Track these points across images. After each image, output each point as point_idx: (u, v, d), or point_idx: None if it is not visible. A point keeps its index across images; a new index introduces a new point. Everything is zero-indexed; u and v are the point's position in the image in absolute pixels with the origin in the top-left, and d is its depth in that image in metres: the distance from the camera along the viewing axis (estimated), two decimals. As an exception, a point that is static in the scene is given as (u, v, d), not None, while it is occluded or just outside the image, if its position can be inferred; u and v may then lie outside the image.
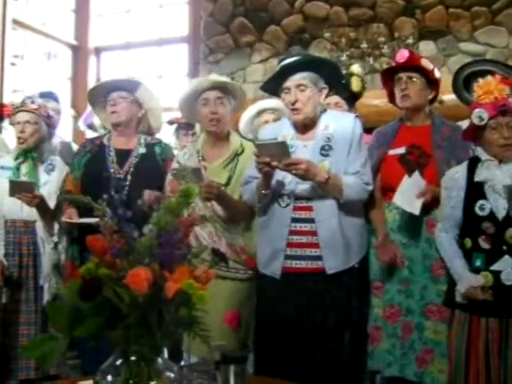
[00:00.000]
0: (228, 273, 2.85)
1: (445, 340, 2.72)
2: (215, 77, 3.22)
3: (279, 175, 2.70)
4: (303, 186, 2.68)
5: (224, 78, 3.22)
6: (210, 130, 3.09)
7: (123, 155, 3.25)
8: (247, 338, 2.94)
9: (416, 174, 2.80)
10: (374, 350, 2.86)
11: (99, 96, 3.36)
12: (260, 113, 3.82)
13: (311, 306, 2.67)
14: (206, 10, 6.42)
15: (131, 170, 3.21)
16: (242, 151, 3.05)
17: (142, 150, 3.28)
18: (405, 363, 2.80)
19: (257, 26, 6.16)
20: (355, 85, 3.65)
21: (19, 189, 3.20)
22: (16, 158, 3.46)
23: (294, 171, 2.58)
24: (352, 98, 3.66)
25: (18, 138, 3.43)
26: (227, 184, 2.98)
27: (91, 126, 4.79)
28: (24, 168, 3.44)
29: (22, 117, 3.43)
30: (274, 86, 2.88)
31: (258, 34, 6.15)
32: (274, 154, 2.56)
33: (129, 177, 3.19)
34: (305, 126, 2.81)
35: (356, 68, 3.83)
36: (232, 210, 2.95)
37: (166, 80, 7.07)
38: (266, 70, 5.97)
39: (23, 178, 3.39)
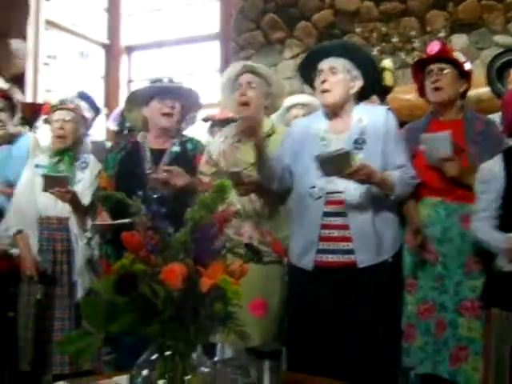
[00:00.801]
0: None
1: (479, 337, 2.69)
2: (247, 62, 3.25)
3: (310, 167, 2.70)
4: (335, 179, 2.67)
5: (255, 64, 3.23)
6: (239, 115, 3.11)
7: (158, 154, 3.25)
8: (279, 331, 2.93)
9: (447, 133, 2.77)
10: (409, 347, 2.83)
11: (148, 94, 3.32)
12: (290, 108, 3.82)
13: (344, 301, 2.66)
14: (236, 7, 6.42)
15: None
16: (273, 133, 3.05)
17: (176, 148, 3.27)
18: (438, 360, 2.76)
19: (287, 21, 6.14)
20: (388, 79, 3.63)
21: (53, 183, 3.24)
22: (53, 156, 3.51)
23: (356, 178, 2.58)
24: (383, 92, 3.64)
25: (57, 136, 3.48)
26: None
27: (120, 126, 4.83)
28: (62, 166, 3.50)
29: (61, 115, 3.50)
30: (309, 73, 2.89)
31: (288, 29, 6.14)
32: (338, 165, 2.55)
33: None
34: (336, 115, 2.81)
35: (387, 63, 3.82)
36: (268, 196, 2.95)
37: (198, 77, 7.09)
38: (297, 66, 5.93)
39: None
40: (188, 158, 3.26)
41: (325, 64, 2.80)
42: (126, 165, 3.26)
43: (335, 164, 2.55)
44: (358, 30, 5.79)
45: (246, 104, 3.04)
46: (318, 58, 2.85)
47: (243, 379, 1.88)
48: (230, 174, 2.77)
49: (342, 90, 2.78)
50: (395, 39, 5.62)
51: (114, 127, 5.02)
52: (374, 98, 3.47)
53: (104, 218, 3.18)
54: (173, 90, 3.30)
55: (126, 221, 2.76)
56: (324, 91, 2.78)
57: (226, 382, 1.82)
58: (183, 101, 3.31)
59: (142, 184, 3.08)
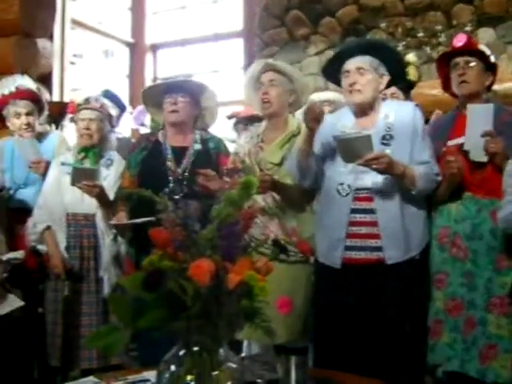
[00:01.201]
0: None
1: (507, 335, 2.66)
2: (268, 60, 3.25)
3: (339, 165, 2.69)
4: (363, 176, 2.67)
5: (276, 61, 3.24)
6: (263, 114, 3.14)
7: (180, 152, 3.27)
8: (305, 329, 2.93)
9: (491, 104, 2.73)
10: (435, 343, 2.80)
11: (159, 93, 3.35)
12: (316, 105, 3.80)
13: (371, 297, 2.66)
14: (260, 4, 6.42)
15: (189, 167, 3.22)
16: (299, 132, 3.05)
17: (198, 146, 3.29)
18: (466, 359, 2.73)
19: (311, 18, 6.12)
20: (412, 74, 3.59)
21: (81, 177, 3.27)
22: (78, 153, 3.55)
23: (375, 166, 2.56)
24: (407, 88, 3.61)
25: (82, 135, 3.51)
26: (281, 164, 3.01)
27: (143, 125, 4.88)
28: (87, 163, 3.53)
29: (87, 114, 3.53)
30: (333, 72, 2.88)
31: (312, 26, 6.11)
32: (357, 149, 2.53)
33: (186, 174, 3.20)
34: (363, 113, 2.80)
35: (412, 57, 3.78)
36: (288, 196, 2.96)
37: (222, 75, 7.12)
38: (321, 62, 5.91)
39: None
40: (210, 156, 3.28)
41: (351, 64, 2.76)
42: (149, 164, 3.28)
43: (355, 148, 2.54)
44: (382, 25, 5.75)
45: (268, 102, 3.05)
46: (342, 58, 2.82)
47: (270, 375, 1.89)
48: (244, 168, 2.79)
49: (372, 90, 2.76)
50: (420, 34, 5.57)
51: (135, 125, 5.07)
52: (398, 93, 3.44)
53: (120, 218, 3.20)
54: (176, 86, 3.29)
55: (141, 220, 2.82)
56: (353, 92, 2.75)
57: (253, 378, 1.83)
58: (191, 95, 3.30)
59: (166, 182, 3.11)
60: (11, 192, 3.78)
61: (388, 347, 2.62)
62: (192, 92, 3.31)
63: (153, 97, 3.40)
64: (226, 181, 3.06)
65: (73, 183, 3.28)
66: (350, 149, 2.55)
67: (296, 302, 2.91)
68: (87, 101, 3.57)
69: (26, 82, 3.98)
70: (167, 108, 3.27)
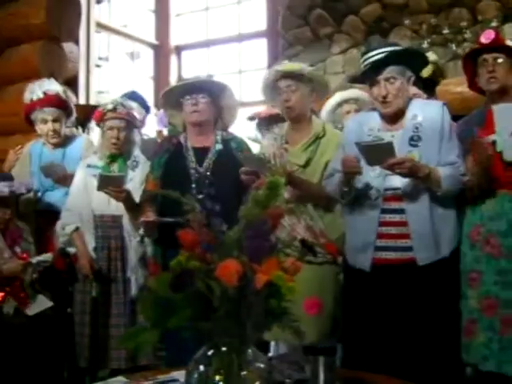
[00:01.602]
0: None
1: None
2: (282, 66, 3.21)
3: (367, 169, 2.68)
4: (392, 177, 2.65)
5: (291, 66, 3.19)
6: (286, 117, 3.16)
7: (201, 153, 3.27)
8: (334, 329, 2.93)
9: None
10: (470, 343, 2.77)
11: (179, 95, 3.33)
12: (341, 103, 3.80)
13: (403, 298, 2.64)
14: (283, 4, 6.41)
15: (211, 167, 3.23)
16: (324, 134, 3.06)
17: (219, 146, 3.29)
18: (504, 359, 2.68)
19: (335, 16, 6.10)
20: (424, 71, 3.56)
21: (107, 183, 3.29)
22: (107, 158, 3.57)
23: (397, 170, 2.56)
24: (429, 87, 3.57)
25: (111, 144, 3.53)
26: (306, 166, 3.02)
27: (167, 126, 4.89)
28: (114, 166, 3.56)
29: (115, 123, 3.52)
30: (359, 76, 2.88)
31: (336, 24, 6.09)
32: (379, 155, 2.54)
33: (208, 174, 3.21)
34: (393, 117, 2.78)
35: (431, 54, 3.74)
36: (307, 193, 2.97)
37: (247, 75, 7.13)
38: (345, 61, 5.92)
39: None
40: (232, 156, 3.25)
41: (380, 76, 2.73)
42: (171, 166, 3.29)
43: (377, 154, 2.55)
44: (406, 22, 5.71)
45: (290, 107, 3.07)
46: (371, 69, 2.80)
47: (298, 375, 1.89)
48: (256, 160, 2.79)
49: (403, 97, 2.75)
50: (445, 31, 5.52)
51: (159, 127, 5.09)
52: (420, 93, 3.41)
53: (149, 216, 3.21)
54: (197, 87, 3.28)
55: (169, 219, 2.83)
56: (385, 102, 2.74)
57: (282, 378, 1.83)
58: (211, 95, 3.28)
59: (188, 183, 3.12)
60: (39, 195, 3.83)
61: (419, 348, 2.60)
62: (212, 92, 3.30)
63: (172, 98, 3.39)
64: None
65: (99, 189, 3.30)
66: (372, 155, 2.56)
67: (325, 303, 2.92)
68: (114, 109, 3.56)
69: (54, 87, 4.00)
70: (188, 109, 3.26)
